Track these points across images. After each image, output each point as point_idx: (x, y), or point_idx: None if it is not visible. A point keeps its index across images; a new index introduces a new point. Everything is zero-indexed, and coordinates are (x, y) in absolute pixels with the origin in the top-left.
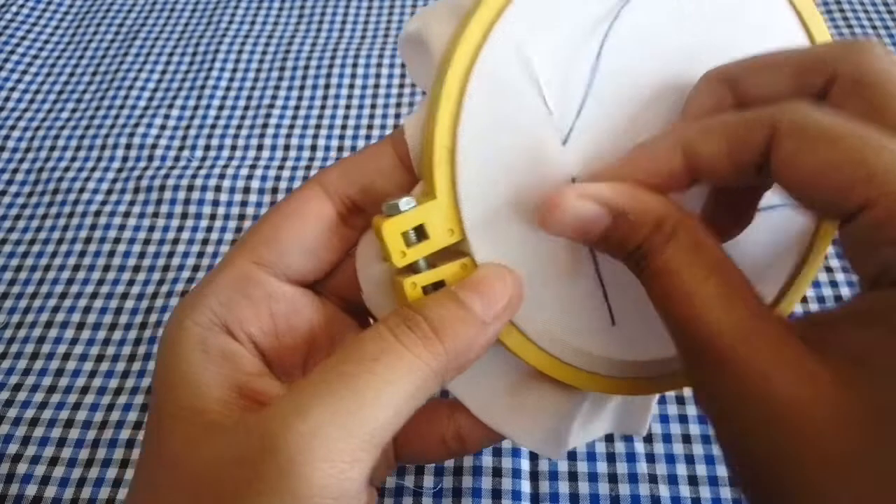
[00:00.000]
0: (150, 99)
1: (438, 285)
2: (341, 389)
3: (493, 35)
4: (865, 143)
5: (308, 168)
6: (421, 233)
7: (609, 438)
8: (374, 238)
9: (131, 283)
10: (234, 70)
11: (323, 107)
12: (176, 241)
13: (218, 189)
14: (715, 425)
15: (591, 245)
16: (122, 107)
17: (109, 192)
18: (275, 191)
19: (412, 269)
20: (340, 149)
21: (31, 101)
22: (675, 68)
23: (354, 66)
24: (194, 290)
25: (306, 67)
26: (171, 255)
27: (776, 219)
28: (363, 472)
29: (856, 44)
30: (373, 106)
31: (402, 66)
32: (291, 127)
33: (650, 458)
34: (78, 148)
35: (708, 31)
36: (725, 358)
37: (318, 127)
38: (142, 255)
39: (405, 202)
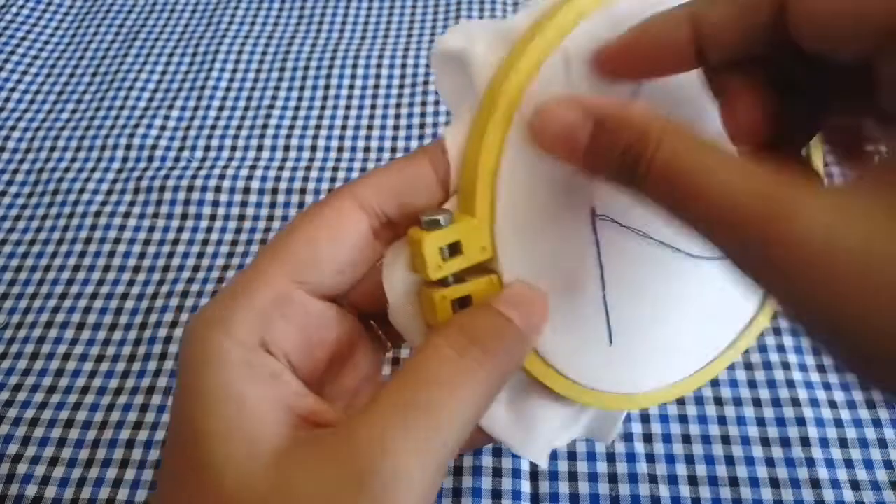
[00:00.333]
0: (150, 99)
1: (465, 300)
2: (418, 419)
3: (545, 68)
4: None
5: (308, 168)
6: (454, 248)
7: None
8: (401, 250)
9: (131, 283)
10: (234, 70)
11: (323, 107)
12: (176, 242)
13: (218, 189)
14: (780, 293)
15: (581, 164)
16: (122, 107)
17: (109, 192)
18: (275, 191)
19: (441, 284)
20: (340, 149)
21: (31, 101)
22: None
23: (354, 66)
24: (225, 301)
25: (306, 68)
26: (171, 255)
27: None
28: (437, 488)
29: None
30: (373, 106)
31: (402, 66)
32: (291, 127)
33: (650, 458)
34: (78, 148)
35: None
36: (779, 215)
37: (318, 127)
38: (142, 255)
39: (445, 219)
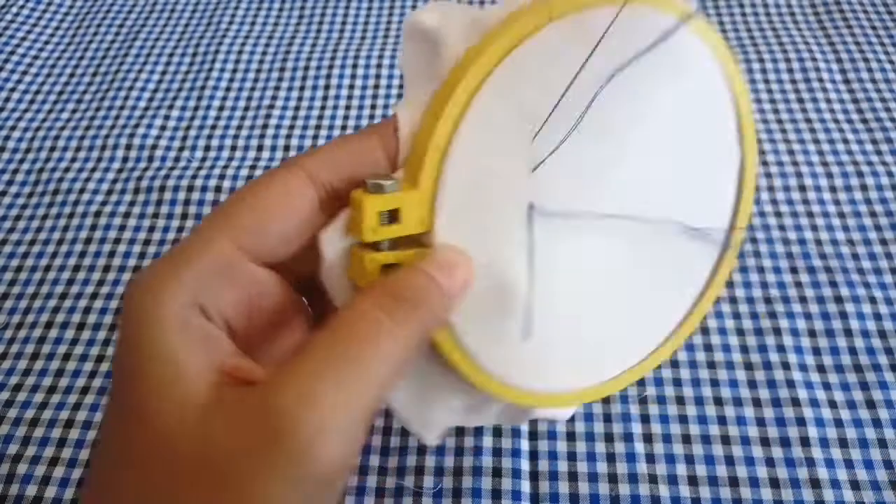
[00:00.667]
0: (150, 99)
1: (393, 267)
2: (345, 373)
3: (507, 60)
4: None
5: None
6: (393, 216)
7: (609, 438)
8: (345, 216)
9: None
10: (234, 70)
11: (323, 107)
12: (176, 242)
13: (218, 189)
14: None
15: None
16: (122, 107)
17: (109, 192)
18: None
19: (374, 248)
20: None
21: (32, 101)
22: (648, 127)
23: (354, 66)
24: (167, 265)
25: (306, 68)
26: None
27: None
28: (362, 441)
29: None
30: (373, 106)
31: None
32: (291, 127)
33: (650, 458)
34: (78, 148)
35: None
36: None
37: (318, 127)
38: (142, 255)
39: (390, 185)
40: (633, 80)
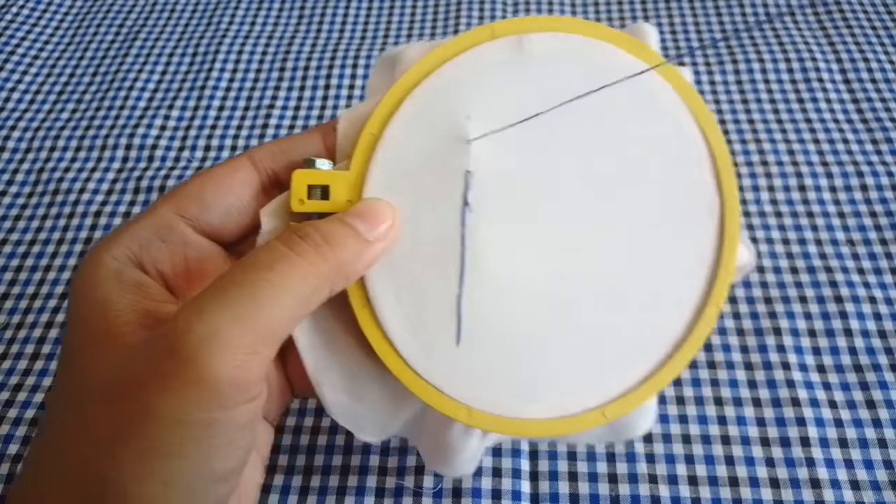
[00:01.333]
0: (150, 99)
1: None
2: (239, 294)
3: (446, 66)
4: None
5: None
6: (325, 195)
7: None
8: (286, 195)
9: None
10: (234, 70)
11: (323, 107)
12: None
13: None
14: None
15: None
16: (122, 107)
17: (109, 192)
18: None
19: (305, 219)
20: None
21: (31, 101)
22: (575, 118)
23: (354, 66)
24: (114, 230)
25: (306, 68)
26: None
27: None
28: (262, 366)
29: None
30: None
31: None
32: (291, 127)
33: (650, 458)
34: (78, 148)
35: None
36: None
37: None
38: None
39: (321, 162)
40: (589, 110)
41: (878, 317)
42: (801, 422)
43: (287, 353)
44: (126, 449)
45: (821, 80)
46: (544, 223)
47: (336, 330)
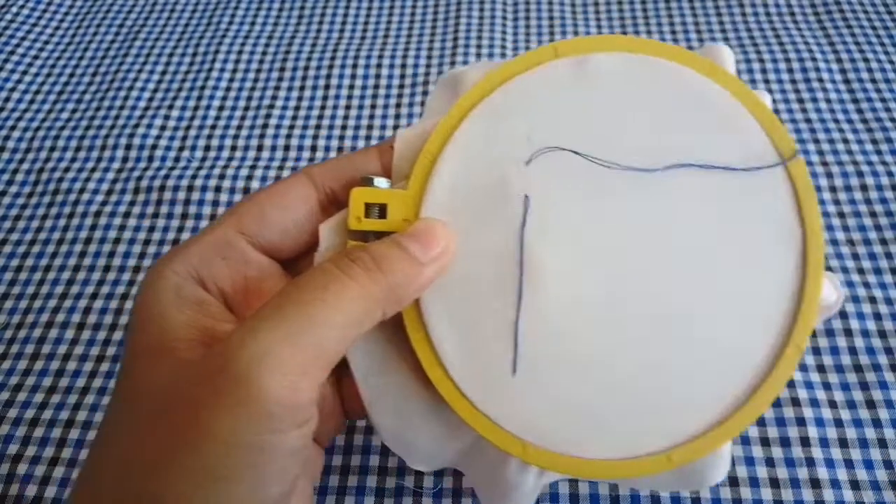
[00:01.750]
0: (150, 99)
1: None
2: (292, 314)
3: (509, 85)
4: None
5: None
6: (382, 213)
7: None
8: (345, 213)
9: (131, 283)
10: (234, 70)
11: (323, 107)
12: (176, 242)
13: (218, 189)
14: None
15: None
16: (122, 107)
17: (109, 192)
18: None
19: (363, 240)
20: (340, 149)
21: (31, 101)
22: (635, 134)
23: (354, 66)
24: (178, 247)
25: (306, 68)
26: None
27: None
28: (313, 386)
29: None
30: (373, 106)
31: (402, 66)
32: (291, 127)
33: None
34: (78, 148)
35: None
36: None
37: (318, 127)
38: (142, 255)
39: (380, 180)
40: (657, 129)
41: (878, 317)
42: (801, 422)
43: (342, 376)
44: (180, 468)
45: (821, 80)
46: (607, 249)
47: (391, 353)
